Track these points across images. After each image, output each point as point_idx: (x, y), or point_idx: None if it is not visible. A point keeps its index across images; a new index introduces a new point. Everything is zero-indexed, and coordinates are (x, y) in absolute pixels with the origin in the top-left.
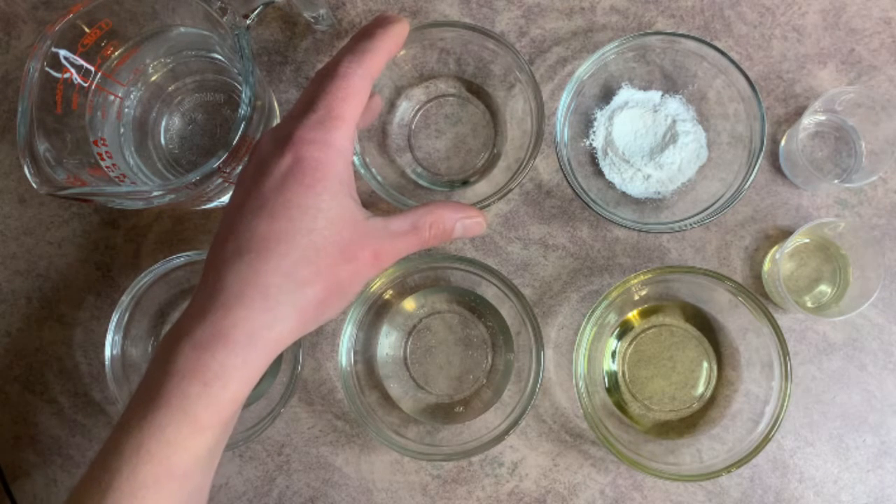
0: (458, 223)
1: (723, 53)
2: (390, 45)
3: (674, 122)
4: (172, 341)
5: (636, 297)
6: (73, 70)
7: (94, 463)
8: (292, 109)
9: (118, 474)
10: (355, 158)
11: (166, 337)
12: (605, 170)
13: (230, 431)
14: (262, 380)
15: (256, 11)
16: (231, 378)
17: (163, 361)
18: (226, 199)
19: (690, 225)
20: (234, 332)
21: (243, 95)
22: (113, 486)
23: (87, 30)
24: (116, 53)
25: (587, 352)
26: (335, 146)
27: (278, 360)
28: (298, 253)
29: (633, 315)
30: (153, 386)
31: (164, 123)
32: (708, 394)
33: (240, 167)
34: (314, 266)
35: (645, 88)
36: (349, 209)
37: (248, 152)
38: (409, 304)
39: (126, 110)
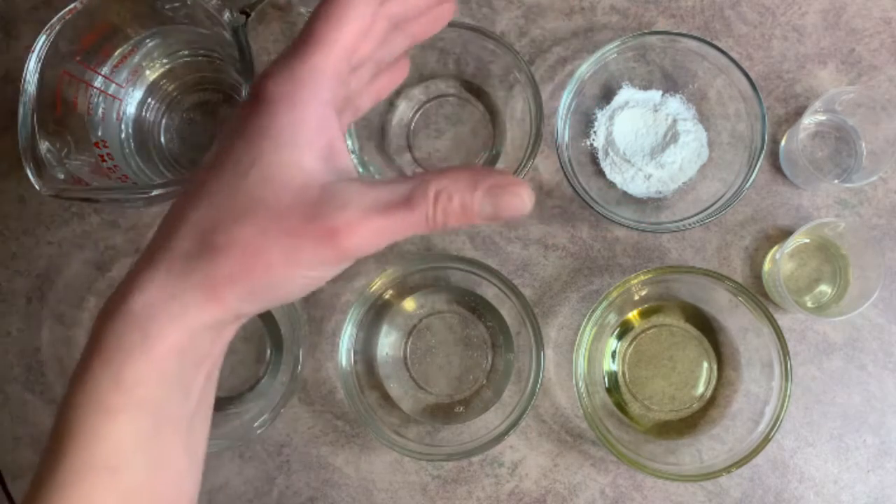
0: (482, 194)
1: (724, 53)
2: None
3: (674, 121)
4: None
5: (636, 297)
6: (72, 70)
7: None
8: None
9: (46, 464)
10: (353, 157)
11: None
12: (606, 169)
13: (181, 423)
14: (261, 379)
15: (254, 7)
16: (130, 353)
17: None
18: None
19: (691, 225)
20: (132, 299)
21: (244, 92)
22: (42, 478)
23: (86, 30)
24: (115, 54)
25: (587, 352)
26: (302, 78)
27: (278, 360)
28: (215, 216)
29: (633, 315)
30: (81, 357)
31: (163, 123)
32: (708, 394)
33: None
34: (229, 233)
35: (645, 88)
36: (303, 165)
37: None
38: (409, 304)
39: (126, 111)
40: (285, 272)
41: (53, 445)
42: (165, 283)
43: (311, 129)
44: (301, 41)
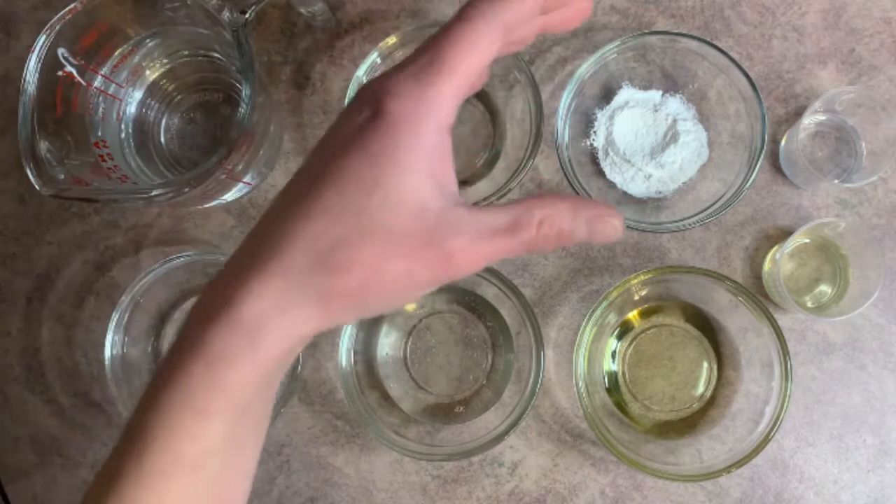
0: (581, 222)
1: (723, 53)
2: None
3: (674, 121)
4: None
5: (636, 297)
6: (72, 70)
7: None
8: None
9: (127, 459)
10: None
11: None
12: (606, 169)
13: (259, 420)
14: None
15: (254, 7)
16: (237, 360)
17: (182, 329)
18: (227, 196)
19: (691, 225)
20: (244, 307)
21: (244, 92)
22: (122, 472)
23: (86, 30)
24: (115, 54)
25: (587, 352)
26: (428, 102)
27: None
28: (338, 234)
29: (633, 315)
30: (170, 357)
31: (163, 123)
32: (708, 394)
33: (241, 164)
34: (352, 252)
35: (645, 88)
36: (422, 190)
37: (248, 149)
38: (410, 303)
39: (126, 111)
40: (399, 291)
41: (139, 439)
42: (279, 294)
43: (430, 154)
44: (428, 62)
